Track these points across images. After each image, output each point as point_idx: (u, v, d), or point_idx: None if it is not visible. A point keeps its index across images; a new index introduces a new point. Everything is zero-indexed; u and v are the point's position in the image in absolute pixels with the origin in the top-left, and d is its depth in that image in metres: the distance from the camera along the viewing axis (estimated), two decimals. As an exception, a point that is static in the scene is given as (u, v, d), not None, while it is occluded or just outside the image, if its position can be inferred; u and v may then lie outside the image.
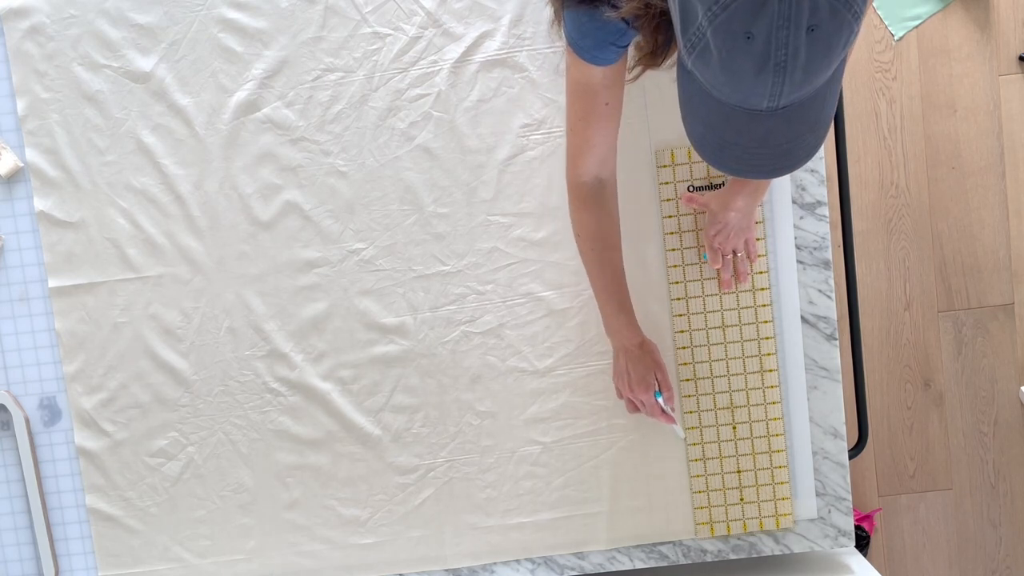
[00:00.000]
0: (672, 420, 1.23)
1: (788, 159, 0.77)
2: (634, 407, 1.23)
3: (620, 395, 1.25)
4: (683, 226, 1.28)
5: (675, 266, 1.28)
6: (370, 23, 1.26)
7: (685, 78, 0.78)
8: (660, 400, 1.20)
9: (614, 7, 0.84)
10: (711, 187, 1.27)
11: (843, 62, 0.75)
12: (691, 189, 1.27)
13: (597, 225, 1.12)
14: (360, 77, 1.27)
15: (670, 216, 1.28)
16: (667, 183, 1.27)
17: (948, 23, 1.90)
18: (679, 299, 1.29)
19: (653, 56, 0.88)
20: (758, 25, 0.66)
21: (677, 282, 1.29)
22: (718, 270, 1.27)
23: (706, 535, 1.32)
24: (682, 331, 1.29)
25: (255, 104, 1.28)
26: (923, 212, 1.93)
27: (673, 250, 1.28)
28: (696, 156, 1.27)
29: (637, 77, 0.94)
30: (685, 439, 1.30)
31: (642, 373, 1.20)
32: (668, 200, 1.27)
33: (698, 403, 1.30)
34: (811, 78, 0.70)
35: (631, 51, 0.94)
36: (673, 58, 0.90)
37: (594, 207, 1.10)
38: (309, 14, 1.27)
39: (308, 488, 1.33)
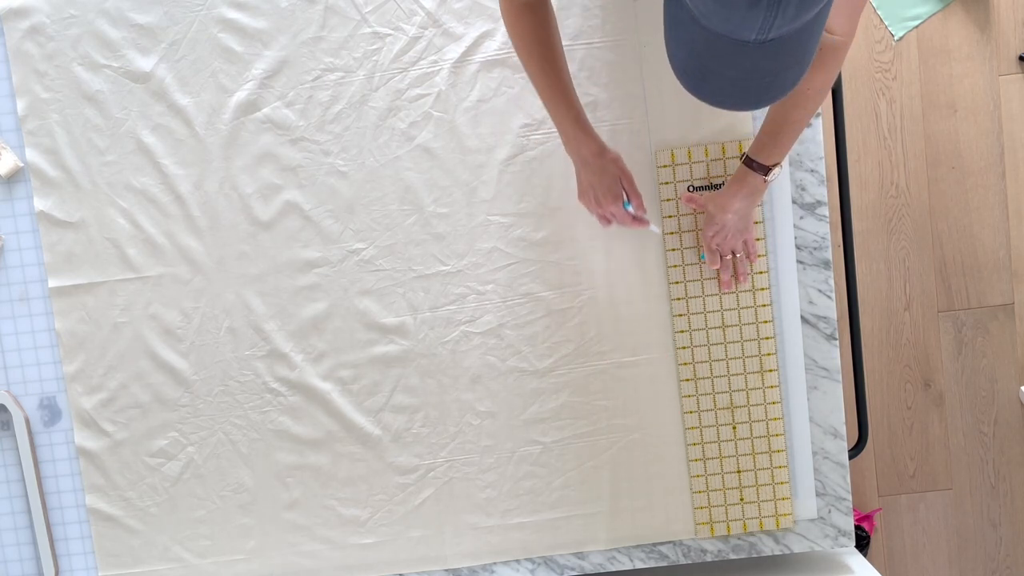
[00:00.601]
0: (645, 224, 1.17)
1: (769, 92, 0.77)
2: (607, 221, 1.20)
3: (590, 211, 1.21)
4: (683, 226, 1.28)
5: (675, 266, 1.28)
6: (370, 23, 1.26)
7: (673, 2, 0.78)
8: (630, 209, 1.16)
9: None
10: (711, 187, 1.27)
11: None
12: (691, 189, 1.27)
13: (533, 30, 1.08)
14: (360, 77, 1.27)
15: (670, 216, 1.28)
16: (667, 183, 1.27)
17: (948, 23, 1.90)
18: (679, 299, 1.29)
19: None
20: None
21: (677, 282, 1.29)
22: (717, 270, 1.27)
23: (706, 535, 1.32)
24: (682, 331, 1.29)
25: (255, 104, 1.28)
26: (923, 212, 1.93)
27: (673, 250, 1.28)
28: (696, 156, 1.27)
29: None
30: (663, 235, 1.27)
31: (608, 184, 1.15)
32: (668, 200, 1.27)
33: (698, 403, 1.30)
34: (803, 12, 0.70)
35: None
36: None
37: (526, 11, 1.07)
38: (309, 14, 1.27)
39: (308, 488, 1.33)
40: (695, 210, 1.27)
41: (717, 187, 1.26)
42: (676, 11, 0.77)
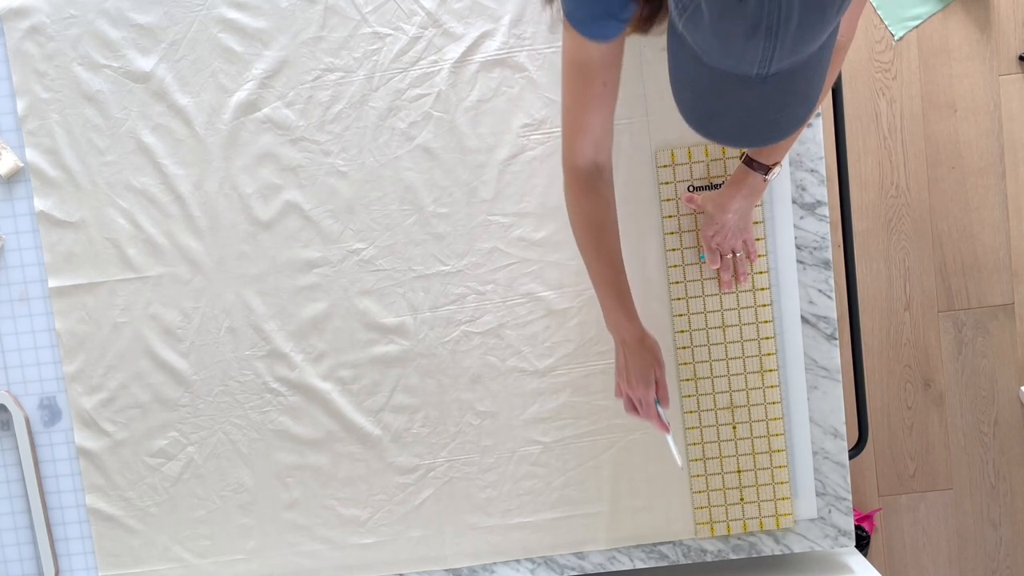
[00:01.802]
0: (666, 429, 1.17)
1: (775, 130, 0.77)
2: (632, 407, 1.20)
3: (619, 392, 1.22)
4: (683, 226, 1.28)
5: (675, 266, 1.28)
6: (370, 23, 1.26)
7: (676, 43, 0.78)
8: (659, 408, 1.17)
9: None
10: (711, 187, 1.27)
11: (833, 33, 0.74)
12: (691, 189, 1.27)
13: (593, 212, 1.09)
14: (360, 77, 1.27)
15: (670, 216, 1.28)
16: (667, 183, 1.27)
17: (948, 23, 1.90)
18: (679, 299, 1.29)
19: (644, 21, 0.87)
20: None
21: (677, 282, 1.29)
22: (717, 270, 1.27)
23: (706, 535, 1.32)
24: (682, 331, 1.29)
25: (255, 104, 1.28)
26: (923, 212, 1.93)
27: (673, 250, 1.28)
28: (696, 156, 1.27)
29: (622, 40, 0.93)
30: (683, 471, 1.29)
31: (642, 368, 1.16)
32: (668, 200, 1.27)
33: (698, 403, 1.30)
34: (803, 44, 0.69)
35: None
36: (662, 26, 0.89)
37: (590, 193, 1.07)
38: (309, 14, 1.27)
39: (308, 488, 1.33)
40: (695, 210, 1.27)
41: (717, 187, 1.26)
42: (679, 51, 0.77)
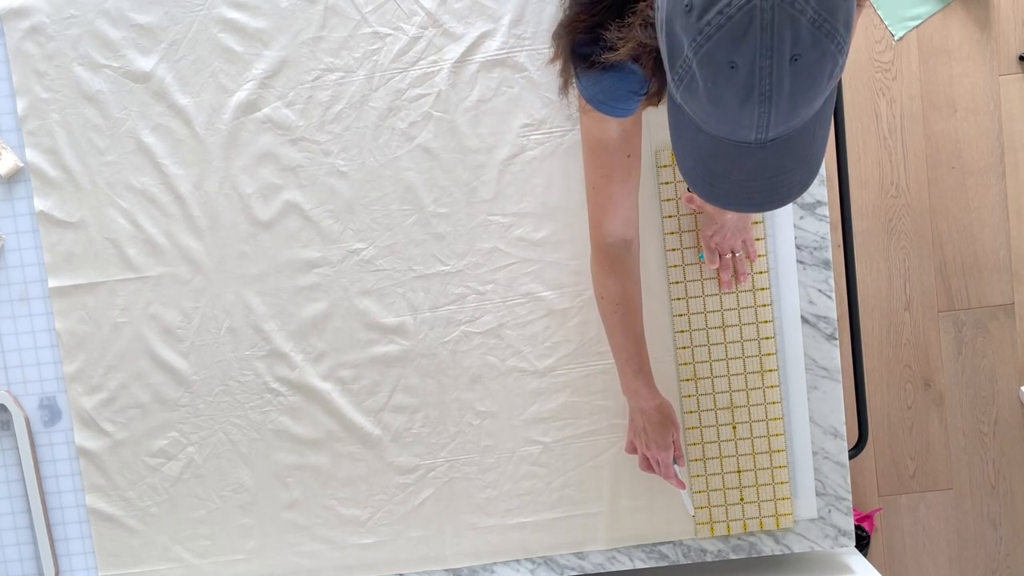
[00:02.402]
0: (683, 486, 1.22)
1: (779, 193, 0.77)
2: (648, 465, 1.23)
3: (631, 450, 1.25)
4: (683, 226, 1.28)
5: (675, 266, 1.28)
6: (370, 23, 1.26)
7: (675, 112, 0.79)
8: (676, 467, 1.21)
9: (611, 49, 0.84)
10: (711, 187, 1.27)
11: (831, 98, 0.75)
12: (691, 189, 1.27)
13: (622, 289, 1.10)
14: (360, 77, 1.27)
15: (670, 216, 1.28)
16: (667, 183, 1.27)
17: (948, 23, 1.90)
18: (679, 299, 1.29)
19: (654, 96, 0.88)
20: (741, 54, 0.67)
21: (677, 282, 1.29)
22: (717, 270, 1.27)
23: (706, 535, 1.32)
24: (682, 331, 1.29)
25: (255, 104, 1.28)
26: (923, 212, 1.93)
27: (673, 250, 1.28)
28: (696, 156, 1.27)
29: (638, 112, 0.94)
30: (694, 516, 1.31)
31: (661, 434, 1.19)
32: (668, 200, 1.27)
33: (698, 403, 1.30)
34: (797, 109, 0.70)
35: None
36: None
37: (620, 270, 1.09)
38: (309, 14, 1.27)
39: (308, 488, 1.33)
40: (695, 210, 1.27)
41: (717, 187, 1.26)
42: (679, 119, 0.78)
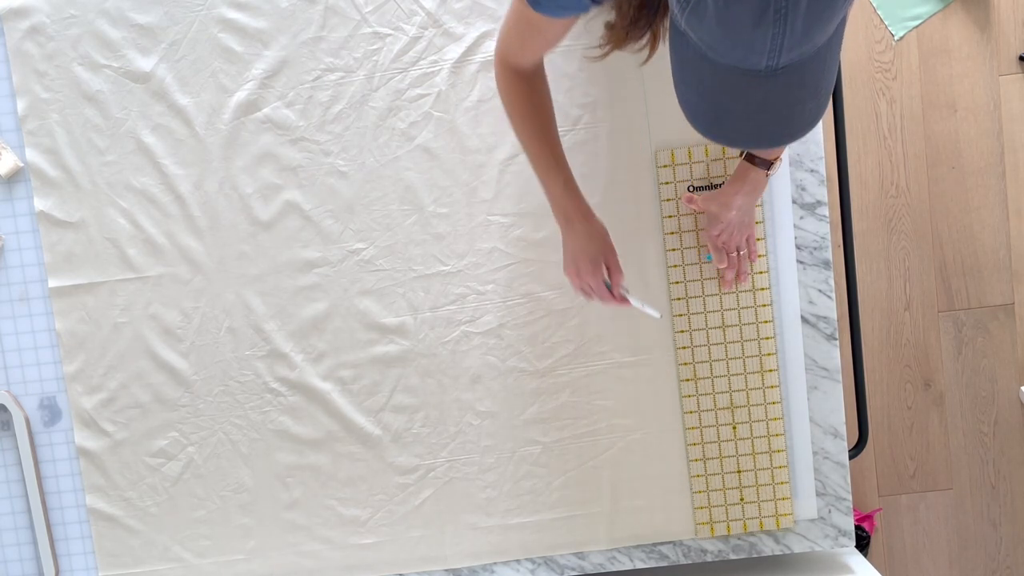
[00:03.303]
0: (626, 302, 1.13)
1: (789, 127, 0.74)
2: (586, 295, 1.17)
3: (572, 284, 1.18)
4: (683, 226, 1.28)
5: (675, 266, 1.28)
6: (370, 23, 1.26)
7: (678, 42, 0.75)
8: (624, 291, 1.13)
9: None
10: (711, 187, 1.27)
11: (842, 23, 0.72)
12: (691, 189, 1.27)
13: (532, 93, 1.09)
14: (360, 77, 1.27)
15: (670, 216, 1.28)
16: (667, 183, 1.27)
17: (948, 23, 1.90)
18: (679, 299, 1.29)
19: (624, 34, 0.86)
20: None
21: (677, 282, 1.29)
22: (720, 269, 1.27)
23: (706, 535, 1.32)
24: (682, 331, 1.29)
25: (255, 104, 1.28)
26: (923, 212, 1.93)
27: (673, 250, 1.28)
28: (696, 156, 1.27)
29: (605, 56, 0.92)
30: (661, 317, 1.24)
31: (591, 253, 1.12)
32: (668, 200, 1.27)
33: (698, 403, 1.30)
34: (811, 31, 0.67)
35: (602, 30, 0.93)
36: (640, 43, 0.89)
37: (526, 84, 1.08)
38: (309, 14, 1.27)
39: (308, 488, 1.33)
40: (695, 211, 1.27)
41: (717, 187, 1.26)
42: (683, 52, 0.75)
